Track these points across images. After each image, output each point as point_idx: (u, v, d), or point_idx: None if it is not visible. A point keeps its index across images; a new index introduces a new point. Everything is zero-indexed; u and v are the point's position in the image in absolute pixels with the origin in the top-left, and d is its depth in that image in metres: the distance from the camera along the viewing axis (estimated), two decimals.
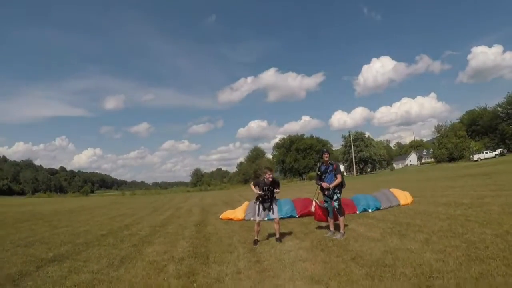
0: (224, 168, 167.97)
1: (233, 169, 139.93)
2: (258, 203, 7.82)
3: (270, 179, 7.78)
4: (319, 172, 8.00)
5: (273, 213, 7.85)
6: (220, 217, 12.66)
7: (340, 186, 7.81)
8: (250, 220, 11.07)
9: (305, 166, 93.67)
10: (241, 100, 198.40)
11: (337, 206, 7.79)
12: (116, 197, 56.99)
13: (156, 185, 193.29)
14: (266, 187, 7.75)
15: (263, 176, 8.00)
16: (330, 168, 7.82)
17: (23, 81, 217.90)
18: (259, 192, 7.72)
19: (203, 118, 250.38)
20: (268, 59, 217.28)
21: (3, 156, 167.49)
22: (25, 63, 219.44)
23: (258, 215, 7.77)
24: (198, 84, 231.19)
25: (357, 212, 11.07)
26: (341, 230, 7.73)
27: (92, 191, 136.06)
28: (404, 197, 12.69)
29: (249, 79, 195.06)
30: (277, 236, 7.79)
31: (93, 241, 9.01)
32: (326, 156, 7.88)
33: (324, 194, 7.99)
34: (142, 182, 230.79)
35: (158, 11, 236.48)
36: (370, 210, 11.44)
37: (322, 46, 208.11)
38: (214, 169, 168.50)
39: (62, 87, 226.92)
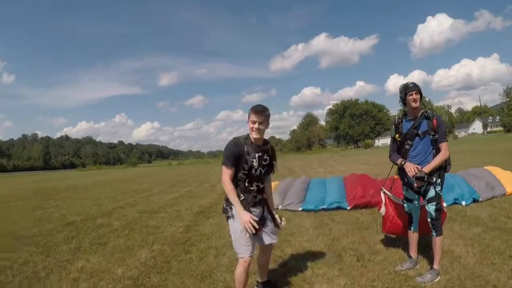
0: (278, 136, 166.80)
1: (286, 137, 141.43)
2: (241, 215, 3.27)
3: (260, 140, 3.41)
4: (397, 135, 4.14)
5: (271, 233, 3.57)
6: None
7: (443, 168, 3.99)
8: (277, 209, 8.07)
9: (360, 133, 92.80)
10: (293, 67, 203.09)
11: (433, 214, 3.92)
12: (159, 168, 59.16)
13: (212, 154, 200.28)
14: (256, 161, 3.33)
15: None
16: (424, 125, 3.94)
17: (82, 68, 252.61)
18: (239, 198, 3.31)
19: (256, 88, 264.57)
20: (318, 24, 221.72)
21: (65, 135, 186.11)
22: (82, 51, 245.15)
23: (246, 247, 3.31)
24: (249, 54, 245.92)
25: (444, 206, 5.92)
26: (435, 265, 3.94)
27: (150, 161, 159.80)
28: (510, 180, 8.13)
29: (300, 46, 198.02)
30: (262, 280, 3.85)
31: (42, 235, 7.48)
32: (414, 99, 3.85)
33: (406, 184, 4.16)
34: (198, 152, 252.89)
35: None
36: (464, 203, 7.26)
37: (373, 6, 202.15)
38: (267, 137, 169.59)
39: (118, 69, 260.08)
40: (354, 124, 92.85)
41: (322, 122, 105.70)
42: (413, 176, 3.76)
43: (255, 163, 3.30)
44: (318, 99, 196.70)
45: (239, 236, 3.29)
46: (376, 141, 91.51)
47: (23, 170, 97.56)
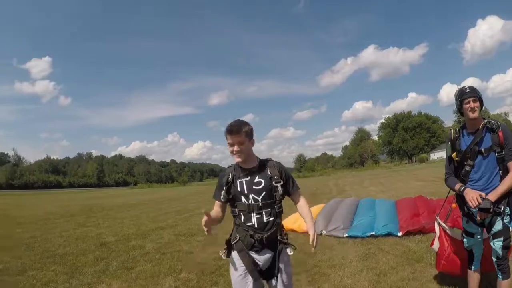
0: (329, 153, 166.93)
1: (339, 153, 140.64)
2: (239, 261, 2.77)
3: (247, 162, 2.80)
4: (454, 154, 3.41)
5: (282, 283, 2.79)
6: None
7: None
8: (321, 234, 7.50)
9: (415, 147, 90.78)
10: (343, 82, 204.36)
11: (499, 252, 3.21)
12: (209, 186, 59.29)
13: None
14: (242, 187, 2.77)
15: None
16: (487, 140, 3.24)
17: (136, 90, 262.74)
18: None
19: (306, 104, 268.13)
20: (366, 36, 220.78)
21: (119, 154, 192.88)
22: (136, 75, 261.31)
23: None
24: (297, 71, 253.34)
25: None
26: None
27: (201, 180, 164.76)
28: None
29: (349, 59, 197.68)
30: None
31: (73, 254, 7.49)
32: (472, 108, 3.17)
33: (466, 215, 3.43)
34: None
35: (244, 8, 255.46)
36: None
37: (420, 13, 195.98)
38: (319, 154, 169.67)
39: (169, 90, 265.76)
40: (407, 137, 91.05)
41: (375, 137, 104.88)
42: (475, 207, 3.04)
43: (239, 189, 2.74)
44: (370, 113, 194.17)
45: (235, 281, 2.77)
46: (432, 154, 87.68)
47: (78, 187, 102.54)
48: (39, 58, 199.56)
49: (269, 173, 2.77)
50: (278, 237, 2.74)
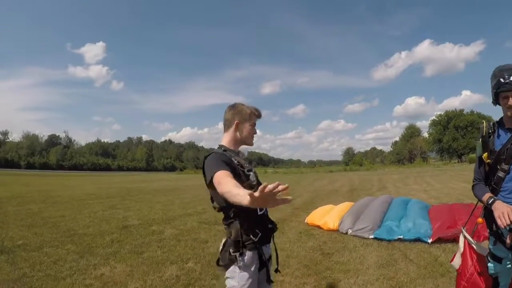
0: (379, 147, 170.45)
1: (388, 148, 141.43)
2: (245, 259, 2.30)
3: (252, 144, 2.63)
4: (485, 155, 2.73)
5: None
6: (306, 220, 8.98)
7: None
8: (347, 233, 7.23)
9: (465, 146, 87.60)
10: (396, 76, 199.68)
11: None
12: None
13: (312, 163, 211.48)
14: (254, 178, 2.42)
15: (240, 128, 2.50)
16: None
17: (188, 77, 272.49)
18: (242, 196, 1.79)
19: (358, 97, 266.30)
20: (421, 30, 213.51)
21: (169, 139, 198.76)
22: (189, 61, 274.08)
23: None
24: (351, 63, 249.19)
25: None
26: None
27: None
28: None
29: (403, 53, 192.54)
30: None
31: (92, 234, 7.70)
32: (510, 105, 2.48)
33: (494, 234, 2.72)
34: (298, 160, 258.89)
35: None
36: None
37: (478, 8, 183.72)
38: (369, 148, 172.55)
39: (222, 78, 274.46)
40: (458, 136, 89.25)
41: (425, 134, 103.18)
42: (505, 227, 2.41)
43: (253, 179, 2.36)
44: (422, 110, 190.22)
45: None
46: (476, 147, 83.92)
47: (127, 170, 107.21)
48: (93, 43, 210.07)
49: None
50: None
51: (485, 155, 2.69)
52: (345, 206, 8.73)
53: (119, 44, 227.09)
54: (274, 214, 10.50)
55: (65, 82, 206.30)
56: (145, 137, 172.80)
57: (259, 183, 2.33)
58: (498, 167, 2.60)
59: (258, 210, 2.34)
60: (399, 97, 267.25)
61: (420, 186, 19.08)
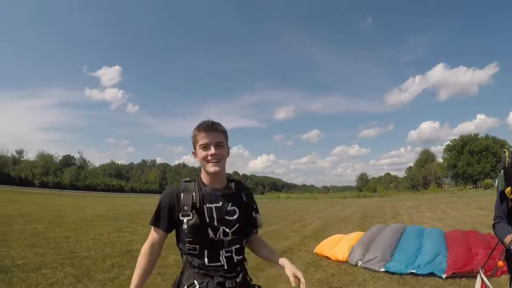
0: (393, 173, 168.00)
1: (402, 174, 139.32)
2: None
3: (220, 177, 2.06)
4: (508, 189, 2.36)
5: None
6: (315, 250, 8.79)
7: None
8: (356, 265, 6.98)
9: (480, 172, 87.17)
10: (410, 101, 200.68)
11: None
12: (267, 200, 60.04)
13: (325, 188, 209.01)
14: (212, 214, 1.94)
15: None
16: None
17: (202, 101, 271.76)
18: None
19: (373, 122, 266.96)
20: (434, 54, 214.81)
21: (183, 162, 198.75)
22: (203, 86, 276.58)
23: None
24: (364, 88, 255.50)
25: None
26: None
27: (263, 193, 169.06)
28: None
29: (417, 78, 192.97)
30: None
31: (93, 258, 7.56)
32: None
33: None
34: (312, 186, 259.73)
35: (312, 21, 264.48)
36: None
37: (491, 31, 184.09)
38: (383, 174, 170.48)
39: (236, 103, 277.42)
40: (473, 161, 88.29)
41: (440, 159, 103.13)
42: None
43: (208, 218, 1.91)
44: (436, 134, 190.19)
45: None
46: (497, 181, 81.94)
47: (140, 192, 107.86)
48: (109, 67, 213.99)
49: (244, 199, 2.10)
50: (249, 281, 2.07)
51: (508, 189, 2.36)
52: (355, 235, 8.50)
53: (135, 68, 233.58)
54: (282, 242, 10.48)
55: (81, 104, 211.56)
56: (159, 160, 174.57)
57: (221, 222, 1.93)
58: None
59: (210, 261, 1.90)
60: (414, 122, 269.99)
61: (435, 213, 18.86)
